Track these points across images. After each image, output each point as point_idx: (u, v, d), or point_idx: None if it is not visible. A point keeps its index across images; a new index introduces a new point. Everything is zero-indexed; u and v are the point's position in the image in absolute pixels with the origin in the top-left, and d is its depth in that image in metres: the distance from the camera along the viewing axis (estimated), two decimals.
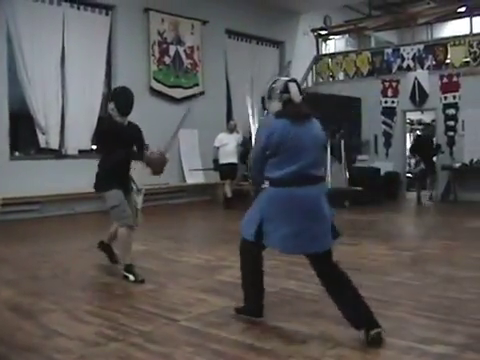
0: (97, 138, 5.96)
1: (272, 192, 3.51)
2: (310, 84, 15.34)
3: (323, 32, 16.11)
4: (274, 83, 3.65)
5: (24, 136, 10.62)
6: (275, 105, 3.59)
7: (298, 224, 3.43)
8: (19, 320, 4.02)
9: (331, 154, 10.85)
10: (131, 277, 5.08)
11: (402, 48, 13.68)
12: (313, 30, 15.74)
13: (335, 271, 3.57)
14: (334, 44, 17.22)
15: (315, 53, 15.58)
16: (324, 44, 16.52)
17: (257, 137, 3.66)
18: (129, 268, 5.16)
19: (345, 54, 15.09)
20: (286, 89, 3.55)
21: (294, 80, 3.65)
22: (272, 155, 3.47)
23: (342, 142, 10.79)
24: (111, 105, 5.30)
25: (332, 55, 15.63)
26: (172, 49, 12.62)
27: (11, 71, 10.04)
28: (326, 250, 3.54)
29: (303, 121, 3.51)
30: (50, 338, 3.63)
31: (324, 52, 16.19)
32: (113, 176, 5.25)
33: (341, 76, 15.25)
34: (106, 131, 5.42)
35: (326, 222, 3.55)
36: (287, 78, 3.69)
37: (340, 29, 16.27)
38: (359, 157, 12.90)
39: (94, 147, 10.15)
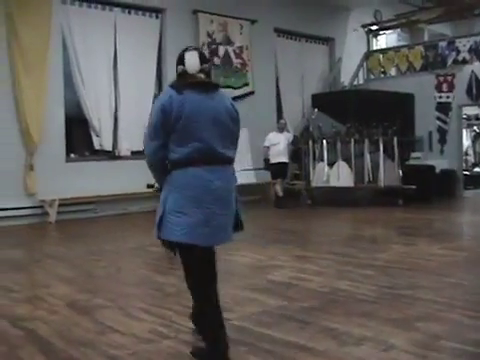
0: None
1: (173, 177, 3.06)
2: (361, 81, 15.16)
3: (374, 27, 15.85)
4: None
5: (79, 138, 10.88)
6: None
7: (208, 209, 3.00)
8: (76, 316, 4.12)
9: (384, 152, 10.68)
10: None
11: (457, 40, 13.29)
12: (363, 26, 15.52)
13: (214, 269, 3.23)
14: (385, 39, 16.93)
15: (366, 49, 15.36)
16: (375, 39, 16.26)
17: (151, 114, 3.16)
18: None
19: (397, 49, 14.84)
20: (181, 60, 3.19)
21: (195, 48, 3.27)
22: (169, 131, 3.01)
23: (395, 139, 10.58)
24: None
25: (383, 51, 15.38)
26: (221, 49, 12.68)
27: (66, 76, 10.34)
28: (223, 243, 3.21)
29: (200, 92, 3.07)
30: (105, 334, 3.71)
31: (375, 48, 15.94)
32: None
33: (393, 72, 14.98)
34: None
35: (232, 210, 3.18)
36: (189, 47, 3.29)
37: (391, 23, 15.96)
38: (413, 154, 12.62)
39: None
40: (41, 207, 9.68)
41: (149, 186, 6.27)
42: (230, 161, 3.18)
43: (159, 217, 3.06)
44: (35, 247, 7.53)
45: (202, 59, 3.18)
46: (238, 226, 3.30)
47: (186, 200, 3.00)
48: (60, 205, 9.67)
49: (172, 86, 3.12)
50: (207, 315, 3.12)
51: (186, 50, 3.22)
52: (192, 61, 3.15)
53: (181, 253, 3.13)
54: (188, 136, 3.00)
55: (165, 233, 3.04)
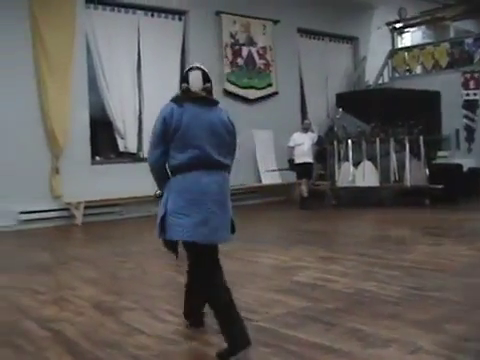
0: None
1: (174, 182, 3.35)
2: (386, 79, 15.04)
3: (398, 25, 15.70)
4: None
5: (104, 141, 10.98)
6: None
7: (207, 210, 3.26)
8: (102, 317, 4.16)
9: (409, 151, 10.56)
10: None
11: None
12: (388, 23, 15.38)
13: (218, 263, 3.48)
14: (410, 37, 16.75)
15: (390, 47, 15.22)
16: (399, 37, 16.10)
17: (155, 124, 3.46)
18: None
19: (422, 47, 14.68)
20: (186, 78, 3.46)
21: (198, 67, 3.49)
22: (170, 140, 3.31)
23: (420, 138, 10.45)
24: None
25: (408, 48, 15.22)
26: (244, 50, 12.69)
27: (91, 79, 10.45)
28: (221, 242, 3.47)
29: (200, 106, 3.36)
30: (131, 335, 3.73)
31: (400, 46, 15.79)
32: None
33: (418, 70, 14.82)
34: None
35: (227, 213, 3.42)
36: (194, 65, 3.53)
37: (416, 21, 15.80)
38: (439, 153, 12.46)
39: None
40: (67, 209, 9.80)
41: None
42: (225, 168, 3.45)
43: (160, 218, 3.33)
44: (61, 249, 7.61)
45: (205, 78, 3.43)
46: (232, 228, 3.51)
47: (186, 202, 3.26)
48: (86, 207, 9.77)
49: (173, 100, 3.41)
50: (217, 299, 3.34)
51: (190, 69, 3.48)
52: (196, 80, 3.41)
53: (186, 249, 3.41)
54: (186, 144, 3.27)
55: (169, 233, 3.31)
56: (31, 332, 3.86)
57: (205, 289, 3.44)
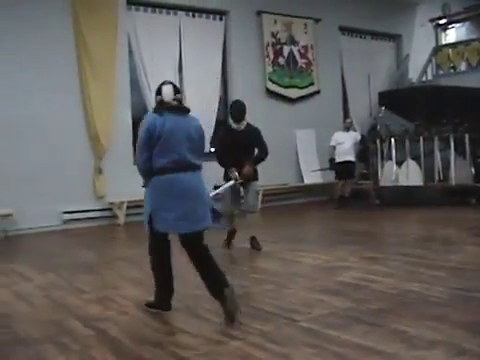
0: (216, 143, 6.73)
1: (157, 181, 3.95)
2: (430, 77, 14.74)
3: (442, 21, 15.39)
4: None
5: None
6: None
7: (186, 206, 3.90)
8: (145, 317, 4.19)
9: (455, 149, 10.34)
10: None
11: None
12: (431, 20, 15.09)
13: (205, 250, 4.08)
14: (454, 33, 16.40)
15: (434, 44, 14.93)
16: (443, 34, 15.78)
17: (139, 132, 4.04)
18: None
19: (467, 43, 14.33)
20: (159, 91, 4.08)
21: (169, 82, 4.16)
22: (153, 145, 3.88)
23: (466, 136, 10.22)
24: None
25: (453, 45, 14.89)
26: (286, 49, 12.65)
27: (133, 80, 10.58)
28: (204, 230, 4.07)
29: (176, 114, 3.99)
30: (174, 335, 3.76)
31: (444, 42, 15.47)
32: (226, 172, 6.55)
33: (463, 66, 14.48)
34: (221, 136, 6.71)
35: (206, 205, 4.05)
36: (166, 81, 4.20)
37: (460, 17, 15.45)
38: None
39: (212, 150, 10.43)
40: (110, 209, 9.95)
41: (216, 187, 6.60)
42: (199, 168, 4.09)
43: (148, 214, 4.03)
44: (105, 249, 7.73)
45: (175, 90, 4.09)
46: (215, 214, 4.16)
47: (170, 200, 3.90)
48: (128, 207, 9.89)
49: (155, 111, 4.07)
50: (207, 278, 4.05)
51: (163, 84, 4.14)
52: (167, 92, 4.05)
53: (182, 240, 4.06)
54: (168, 149, 3.89)
55: (160, 226, 3.96)
56: (76, 331, 3.92)
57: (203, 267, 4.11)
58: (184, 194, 3.91)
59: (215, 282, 3.99)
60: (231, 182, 6.44)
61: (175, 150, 3.89)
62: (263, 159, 6.65)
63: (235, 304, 3.87)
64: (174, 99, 4.04)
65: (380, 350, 3.24)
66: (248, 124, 6.60)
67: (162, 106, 4.03)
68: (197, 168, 4.05)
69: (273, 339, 3.52)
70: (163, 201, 3.92)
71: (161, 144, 3.87)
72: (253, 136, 6.58)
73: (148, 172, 4.00)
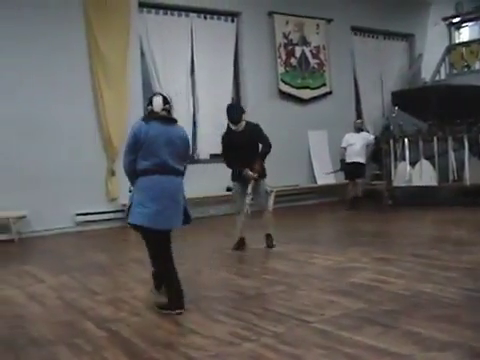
0: (222, 147, 6.95)
1: (140, 182, 4.33)
2: (443, 76, 14.64)
3: (455, 20, 15.27)
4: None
5: None
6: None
7: (163, 204, 4.25)
8: (157, 318, 4.20)
9: (469, 149, 10.25)
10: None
11: None
12: (444, 19, 14.99)
13: (170, 246, 4.49)
14: (468, 32, 16.27)
15: (447, 43, 14.83)
16: (457, 33, 15.67)
17: (128, 137, 4.44)
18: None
19: None
20: (150, 102, 4.50)
21: (160, 94, 4.62)
22: (138, 150, 4.28)
23: None
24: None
25: (466, 43, 14.79)
26: (298, 50, 12.63)
27: (145, 84, 10.61)
28: (173, 228, 4.48)
29: (162, 124, 4.37)
30: (186, 336, 3.77)
31: (457, 41, 15.36)
32: (233, 172, 6.81)
33: (477, 65, 14.37)
34: (223, 139, 6.83)
35: (180, 206, 4.42)
36: (157, 92, 4.72)
37: (474, 15, 15.32)
38: None
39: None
40: (123, 211, 9.96)
41: (228, 189, 6.69)
42: (179, 172, 4.44)
43: (128, 208, 4.45)
44: (118, 250, 7.77)
45: (164, 102, 4.47)
46: (188, 218, 4.55)
47: (148, 198, 4.25)
48: None
49: (143, 119, 4.46)
50: (166, 274, 4.43)
51: (154, 95, 4.57)
52: (157, 103, 4.45)
53: (143, 233, 4.44)
54: (150, 153, 4.27)
55: (132, 219, 4.35)
56: (89, 332, 3.94)
57: (156, 267, 4.60)
58: (161, 194, 4.25)
59: (162, 277, 4.50)
60: (251, 182, 6.64)
61: (157, 154, 4.26)
62: (268, 152, 6.75)
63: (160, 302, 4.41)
64: (163, 109, 4.44)
65: (393, 351, 3.22)
66: (247, 123, 6.70)
67: (151, 115, 4.44)
68: (178, 172, 4.42)
69: (285, 340, 3.52)
70: (142, 198, 4.27)
71: (145, 148, 4.25)
72: (254, 134, 6.69)
73: (132, 173, 4.38)
